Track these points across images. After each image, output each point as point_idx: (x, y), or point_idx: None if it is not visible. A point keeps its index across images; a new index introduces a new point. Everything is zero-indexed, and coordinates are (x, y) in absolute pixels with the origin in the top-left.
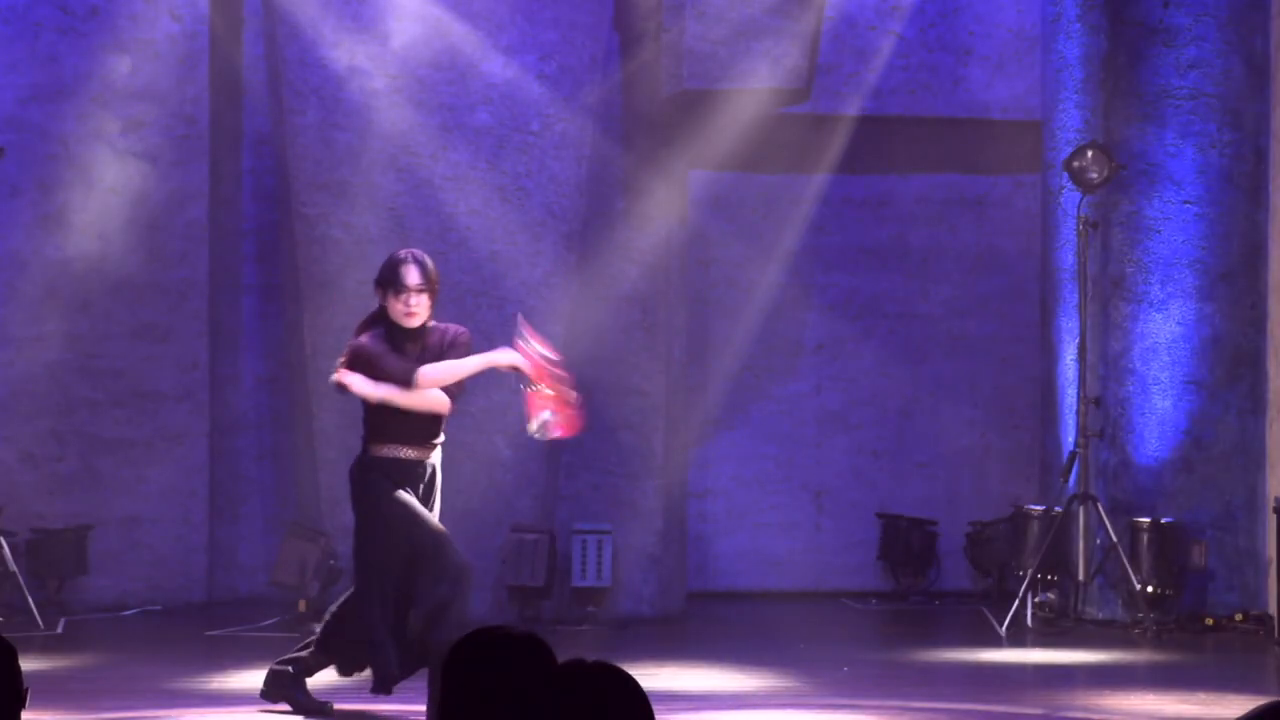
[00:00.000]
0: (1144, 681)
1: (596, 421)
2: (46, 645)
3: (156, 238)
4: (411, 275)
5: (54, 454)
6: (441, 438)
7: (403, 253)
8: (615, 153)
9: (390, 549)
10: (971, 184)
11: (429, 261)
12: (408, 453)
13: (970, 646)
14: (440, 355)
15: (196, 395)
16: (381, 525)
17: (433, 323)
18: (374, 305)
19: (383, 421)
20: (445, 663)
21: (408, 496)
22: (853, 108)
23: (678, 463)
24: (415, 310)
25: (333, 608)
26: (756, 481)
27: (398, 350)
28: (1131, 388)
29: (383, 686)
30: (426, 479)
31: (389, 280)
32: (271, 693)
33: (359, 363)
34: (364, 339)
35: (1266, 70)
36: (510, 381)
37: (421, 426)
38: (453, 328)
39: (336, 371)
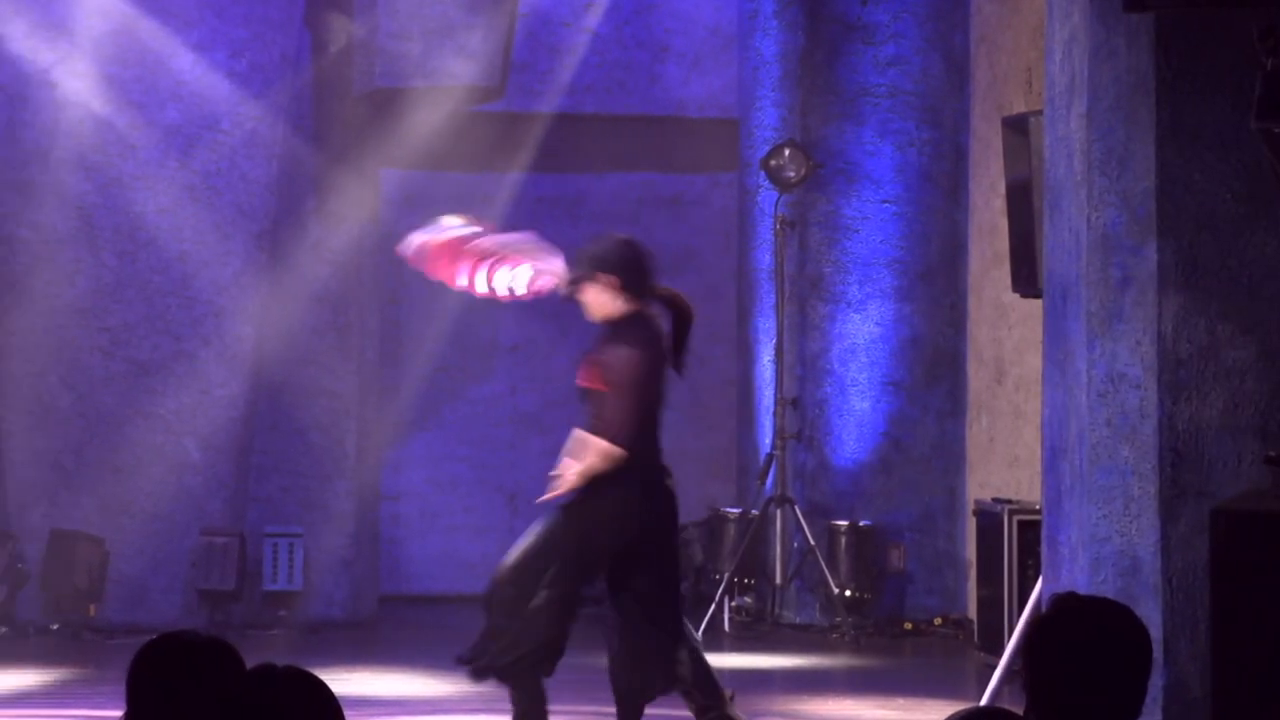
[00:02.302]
0: (842, 686)
1: (287, 423)
2: None
3: None
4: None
5: None
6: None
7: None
8: (307, 151)
9: None
10: (667, 183)
11: (586, 250)
12: None
13: None
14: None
15: None
16: None
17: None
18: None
19: None
20: (130, 668)
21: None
22: (547, 106)
23: (370, 465)
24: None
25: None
26: (450, 484)
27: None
28: (829, 389)
29: None
30: None
31: None
32: None
33: None
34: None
35: (966, 67)
36: (201, 383)
37: None
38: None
39: None
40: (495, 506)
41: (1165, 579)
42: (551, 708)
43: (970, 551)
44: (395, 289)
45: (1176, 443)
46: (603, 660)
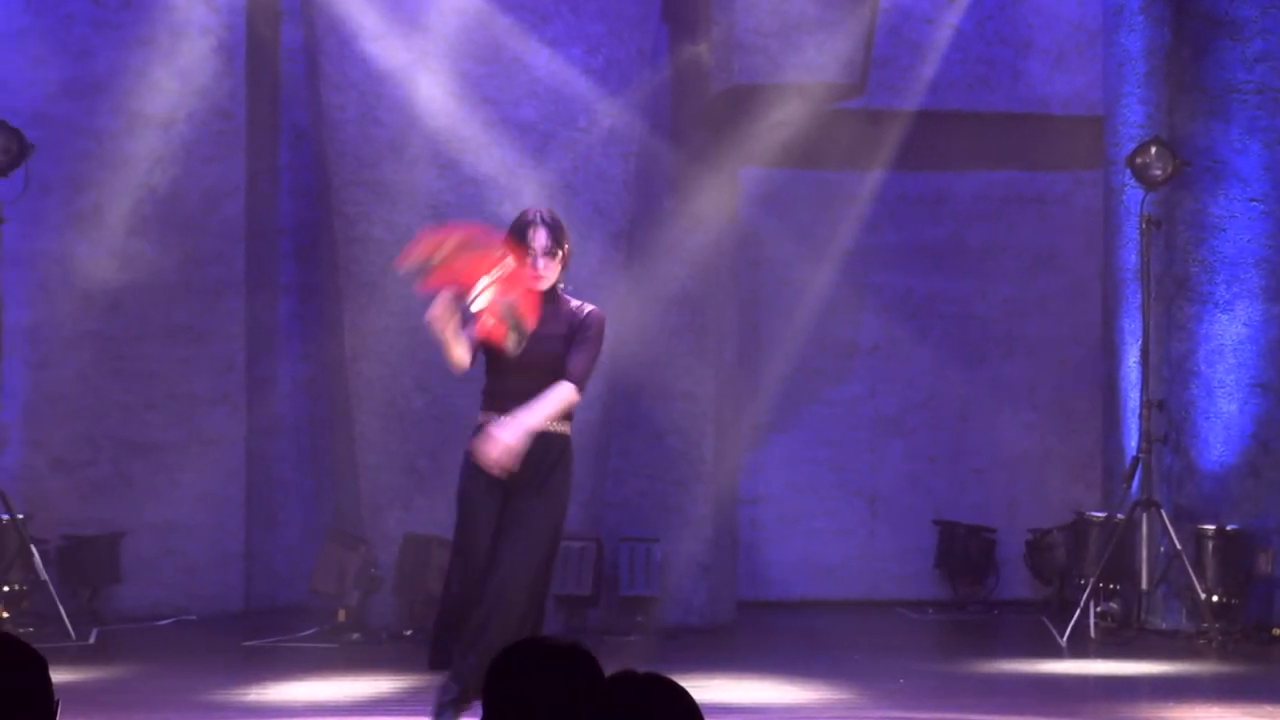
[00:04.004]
0: (1209, 693)
1: (644, 426)
2: (78, 656)
3: (191, 236)
4: (539, 238)
5: (86, 459)
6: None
7: (531, 212)
8: (664, 149)
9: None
10: (1031, 181)
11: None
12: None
13: (1030, 657)
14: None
15: (233, 398)
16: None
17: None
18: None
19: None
20: (489, 674)
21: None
22: (909, 103)
23: (728, 468)
24: (542, 274)
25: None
26: (809, 487)
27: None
28: (1196, 391)
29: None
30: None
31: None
32: None
33: None
34: None
35: None
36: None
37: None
38: (588, 308)
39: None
40: (855, 510)
41: None
42: (911, 714)
43: None
44: (754, 289)
45: None
46: (961, 666)
